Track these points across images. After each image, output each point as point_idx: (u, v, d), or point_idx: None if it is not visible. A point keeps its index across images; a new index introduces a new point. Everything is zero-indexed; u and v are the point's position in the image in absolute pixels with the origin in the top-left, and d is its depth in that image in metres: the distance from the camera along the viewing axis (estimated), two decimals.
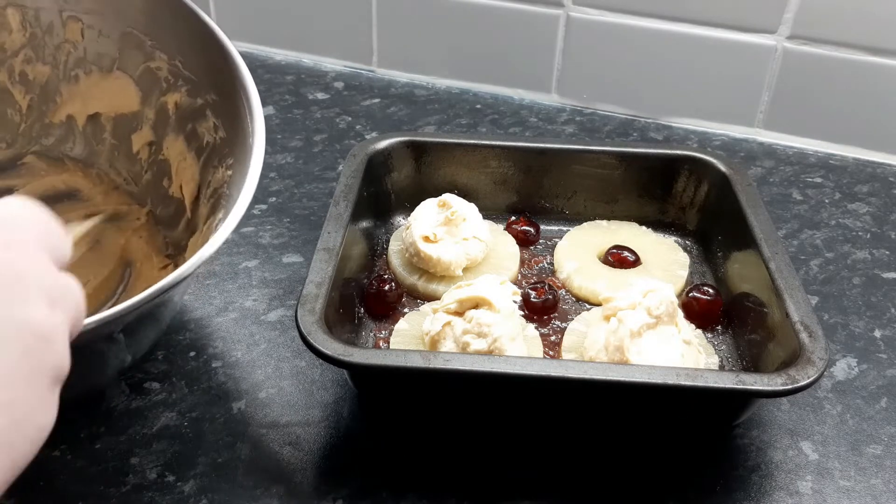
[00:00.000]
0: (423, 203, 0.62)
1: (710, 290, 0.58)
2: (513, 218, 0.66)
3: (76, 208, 0.62)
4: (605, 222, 0.65)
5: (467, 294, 0.53)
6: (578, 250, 0.62)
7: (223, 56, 0.53)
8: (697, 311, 0.57)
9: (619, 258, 0.61)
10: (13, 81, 0.63)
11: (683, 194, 0.65)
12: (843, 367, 0.57)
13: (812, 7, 0.74)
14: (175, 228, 0.59)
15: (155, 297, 0.41)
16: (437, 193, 0.63)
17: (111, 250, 0.59)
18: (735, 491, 0.48)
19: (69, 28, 0.61)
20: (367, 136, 0.80)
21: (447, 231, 0.59)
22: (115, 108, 0.62)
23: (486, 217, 0.63)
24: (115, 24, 0.59)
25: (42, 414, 0.26)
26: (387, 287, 0.58)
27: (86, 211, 0.62)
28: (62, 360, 0.27)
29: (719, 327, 0.57)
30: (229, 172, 0.52)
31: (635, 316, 0.51)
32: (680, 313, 0.53)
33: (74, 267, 0.58)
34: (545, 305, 0.58)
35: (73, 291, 0.29)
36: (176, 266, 0.55)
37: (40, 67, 0.62)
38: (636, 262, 0.61)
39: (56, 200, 0.62)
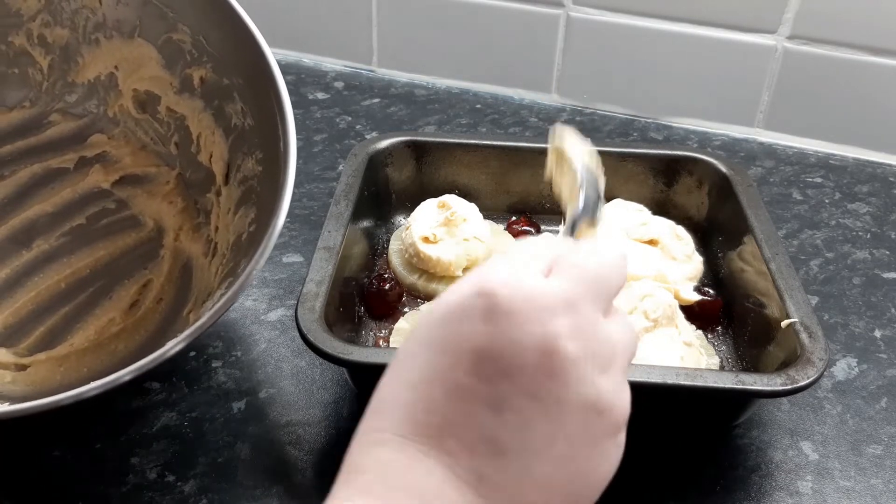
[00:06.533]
0: (422, 203, 0.62)
1: (710, 291, 0.58)
2: (513, 218, 0.66)
3: (107, 170, 0.63)
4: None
5: None
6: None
7: (248, 40, 0.53)
8: (697, 312, 0.57)
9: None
10: (32, 44, 0.63)
11: (684, 194, 0.65)
12: (843, 367, 0.57)
13: (812, 7, 0.74)
14: (205, 195, 0.59)
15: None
16: (437, 193, 0.63)
17: (148, 225, 0.61)
18: (735, 491, 0.48)
19: None
20: (368, 136, 0.80)
21: (447, 231, 0.59)
22: (139, 73, 0.62)
23: (486, 217, 0.63)
24: None
25: (605, 464, 0.30)
26: (387, 286, 0.58)
27: (118, 173, 0.62)
28: (619, 417, 0.30)
29: (719, 328, 0.57)
30: (259, 168, 0.53)
31: (632, 321, 0.51)
32: (680, 315, 0.53)
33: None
34: None
35: (621, 341, 0.31)
36: (210, 243, 0.57)
37: (59, 31, 0.63)
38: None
39: (86, 164, 0.63)
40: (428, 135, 0.68)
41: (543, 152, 0.66)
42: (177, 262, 0.59)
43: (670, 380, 0.45)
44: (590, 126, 0.84)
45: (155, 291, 0.58)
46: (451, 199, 0.61)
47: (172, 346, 0.42)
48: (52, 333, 0.56)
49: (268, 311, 0.60)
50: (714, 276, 0.61)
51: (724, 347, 0.56)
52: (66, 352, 0.55)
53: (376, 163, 0.64)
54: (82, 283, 0.59)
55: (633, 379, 0.45)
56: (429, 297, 0.59)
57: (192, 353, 0.56)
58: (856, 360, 0.57)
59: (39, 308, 0.57)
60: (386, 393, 0.30)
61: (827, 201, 0.73)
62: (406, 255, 0.60)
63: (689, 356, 0.51)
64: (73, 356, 0.55)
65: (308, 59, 0.94)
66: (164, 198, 0.61)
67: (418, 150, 0.66)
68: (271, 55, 0.52)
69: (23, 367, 0.54)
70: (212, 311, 0.44)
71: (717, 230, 0.63)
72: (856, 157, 0.79)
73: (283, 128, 0.50)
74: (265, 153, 0.53)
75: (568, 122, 0.84)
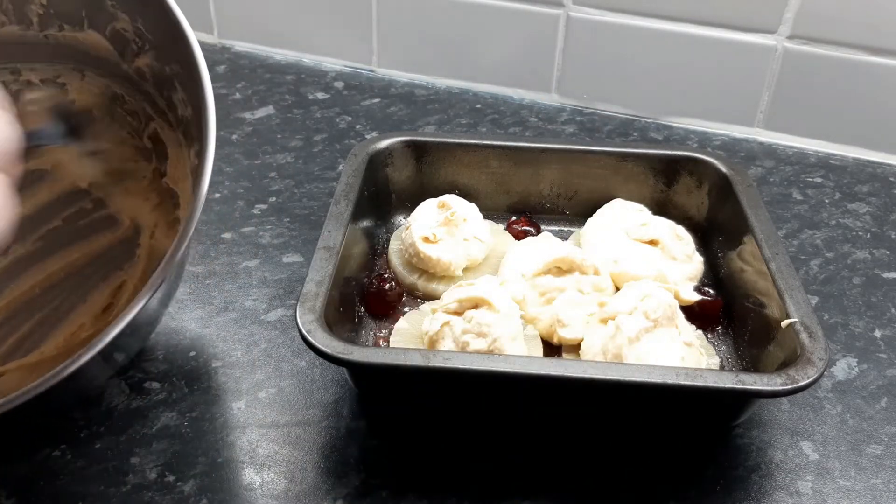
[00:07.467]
0: (422, 203, 0.62)
1: (711, 291, 0.58)
2: (513, 218, 0.66)
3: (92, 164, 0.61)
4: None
5: (467, 294, 0.53)
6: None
7: (169, 20, 0.50)
8: (697, 312, 0.57)
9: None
10: None
11: (684, 194, 0.65)
12: (843, 367, 0.57)
13: (812, 7, 0.74)
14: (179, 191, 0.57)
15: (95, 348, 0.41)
16: (437, 193, 0.63)
17: (125, 224, 0.59)
18: (735, 491, 0.48)
19: None
20: (368, 136, 0.80)
21: (447, 231, 0.59)
22: (99, 67, 0.59)
23: (486, 217, 0.63)
24: None
25: None
26: (387, 286, 0.58)
27: (102, 167, 0.60)
28: None
29: (719, 328, 0.57)
30: (196, 161, 0.50)
31: (632, 321, 0.51)
32: (681, 315, 0.53)
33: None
34: None
35: None
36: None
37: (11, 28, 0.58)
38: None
39: None
40: (428, 135, 0.68)
41: (544, 152, 0.67)
42: (151, 261, 0.58)
43: (670, 380, 0.45)
44: (590, 126, 0.84)
45: (128, 294, 0.56)
46: (451, 199, 0.61)
47: (82, 355, 0.41)
48: (26, 341, 0.55)
49: (268, 311, 0.60)
50: (714, 276, 0.61)
51: (724, 347, 0.56)
52: (36, 360, 0.53)
53: (376, 163, 0.64)
54: (57, 287, 0.57)
55: (633, 379, 0.45)
56: (429, 297, 0.59)
57: (192, 353, 0.56)
58: (856, 360, 0.57)
59: (13, 315, 0.56)
60: None
61: (827, 201, 0.73)
62: (406, 255, 0.60)
63: (690, 356, 0.51)
64: (44, 364, 0.53)
65: (308, 59, 0.94)
66: (141, 194, 0.59)
67: (418, 150, 0.66)
68: (192, 34, 0.49)
69: None
70: (120, 326, 0.42)
71: (717, 230, 0.63)
72: (856, 157, 0.79)
73: (206, 117, 0.47)
74: (200, 145, 0.49)
75: (568, 122, 0.84)
